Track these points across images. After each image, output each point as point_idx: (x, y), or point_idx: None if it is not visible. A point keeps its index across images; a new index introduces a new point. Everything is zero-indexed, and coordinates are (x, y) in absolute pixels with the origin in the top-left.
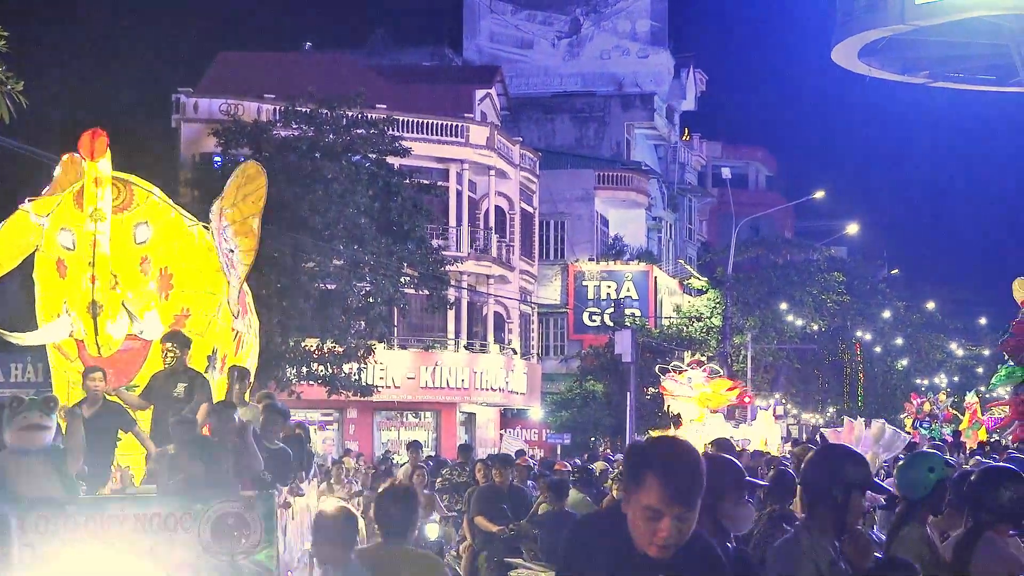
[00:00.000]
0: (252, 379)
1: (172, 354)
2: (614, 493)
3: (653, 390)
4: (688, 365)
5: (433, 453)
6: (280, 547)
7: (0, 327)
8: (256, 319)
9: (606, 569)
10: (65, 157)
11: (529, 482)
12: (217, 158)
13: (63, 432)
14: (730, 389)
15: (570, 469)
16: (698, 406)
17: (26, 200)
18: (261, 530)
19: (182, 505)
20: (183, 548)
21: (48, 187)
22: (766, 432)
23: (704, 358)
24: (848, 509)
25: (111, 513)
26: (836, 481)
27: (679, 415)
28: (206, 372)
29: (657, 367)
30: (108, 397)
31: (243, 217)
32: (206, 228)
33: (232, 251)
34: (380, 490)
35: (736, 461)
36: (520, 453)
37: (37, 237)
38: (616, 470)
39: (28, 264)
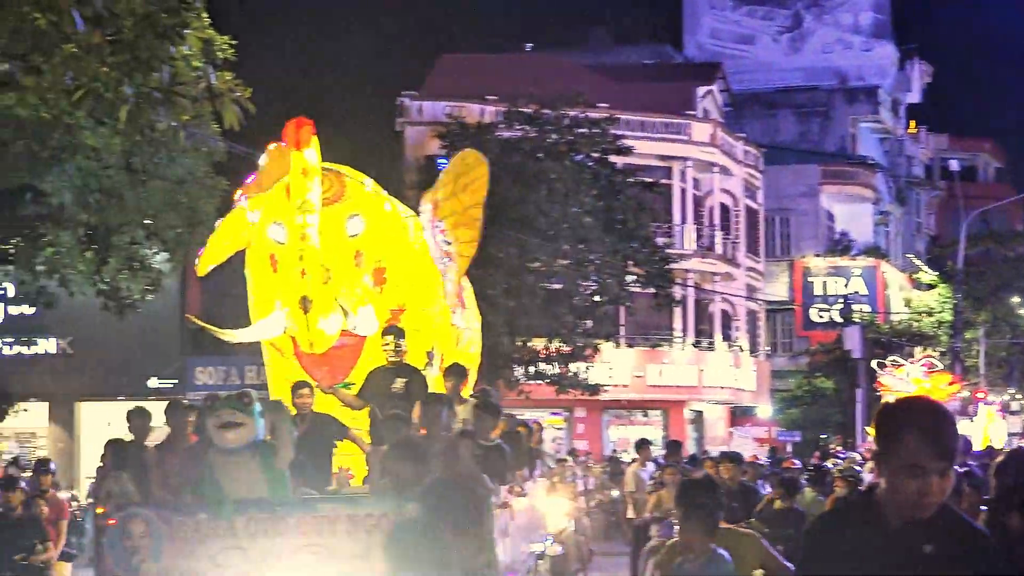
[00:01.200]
0: (473, 376)
1: (393, 349)
2: (838, 491)
3: None
4: (918, 361)
5: (664, 452)
6: (499, 549)
7: (218, 326)
8: (479, 315)
9: (860, 553)
10: (272, 147)
11: (758, 481)
12: (441, 160)
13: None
14: (951, 383)
15: (800, 467)
16: None
17: (237, 192)
18: None
19: (394, 505)
20: None
21: (253, 177)
22: (988, 428)
23: (936, 353)
24: None
25: (322, 514)
26: None
27: None
28: (424, 369)
29: (874, 362)
30: (316, 410)
31: (464, 207)
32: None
33: (449, 243)
34: (683, 481)
35: None
36: (774, 455)
37: (250, 233)
38: (842, 464)
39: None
